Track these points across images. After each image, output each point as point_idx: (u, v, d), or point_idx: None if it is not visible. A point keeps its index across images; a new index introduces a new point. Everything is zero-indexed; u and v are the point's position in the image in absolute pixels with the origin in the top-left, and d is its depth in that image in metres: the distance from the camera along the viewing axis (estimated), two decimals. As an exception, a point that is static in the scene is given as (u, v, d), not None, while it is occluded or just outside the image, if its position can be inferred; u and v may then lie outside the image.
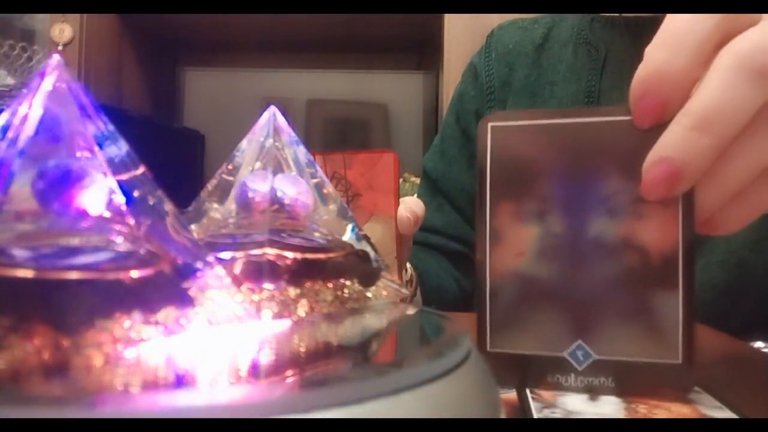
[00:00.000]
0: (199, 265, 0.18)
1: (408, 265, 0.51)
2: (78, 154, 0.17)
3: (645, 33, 0.53)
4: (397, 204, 0.40)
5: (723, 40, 0.23)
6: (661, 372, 0.24)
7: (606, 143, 0.24)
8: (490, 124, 0.26)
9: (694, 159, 0.22)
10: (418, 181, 0.77)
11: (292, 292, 0.22)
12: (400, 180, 0.70)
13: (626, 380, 0.24)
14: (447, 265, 0.63)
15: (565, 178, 0.25)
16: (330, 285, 0.23)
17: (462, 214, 0.65)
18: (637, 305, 0.24)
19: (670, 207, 0.24)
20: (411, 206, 0.40)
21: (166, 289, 0.17)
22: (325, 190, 0.27)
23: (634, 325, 0.24)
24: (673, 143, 0.22)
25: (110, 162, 0.17)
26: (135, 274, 0.16)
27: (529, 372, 0.25)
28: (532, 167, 0.26)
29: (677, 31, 0.23)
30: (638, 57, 0.24)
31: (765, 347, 0.37)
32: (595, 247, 0.24)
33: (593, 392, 0.25)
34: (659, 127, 0.23)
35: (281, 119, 0.26)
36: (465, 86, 0.68)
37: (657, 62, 0.23)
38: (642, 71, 0.23)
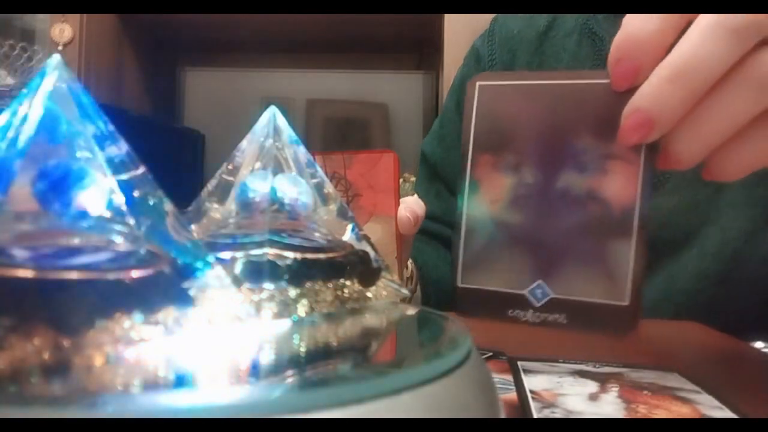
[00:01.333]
0: (199, 265, 0.18)
1: (408, 260, 0.51)
2: (78, 154, 0.17)
3: None
4: (398, 204, 0.40)
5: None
6: (609, 312, 0.26)
7: (583, 103, 0.26)
8: (478, 83, 0.29)
9: (666, 110, 0.23)
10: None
11: (292, 292, 0.22)
12: (400, 180, 0.70)
13: (577, 318, 0.27)
14: (445, 254, 0.63)
15: (541, 133, 0.27)
16: (330, 285, 0.23)
17: None
18: (594, 252, 0.26)
19: (633, 164, 0.26)
20: (411, 206, 0.40)
21: (166, 289, 0.17)
22: (325, 190, 0.27)
23: (589, 269, 0.26)
24: (648, 94, 0.24)
25: (110, 162, 0.17)
26: (135, 274, 0.16)
27: (492, 306, 0.28)
28: (512, 123, 0.28)
29: None
30: None
31: (765, 347, 0.37)
32: (561, 197, 0.27)
33: (546, 326, 0.27)
34: (635, 88, 0.25)
35: (281, 119, 0.26)
36: (467, 70, 0.68)
37: (631, 28, 0.24)
38: (618, 37, 0.25)
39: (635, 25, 0.24)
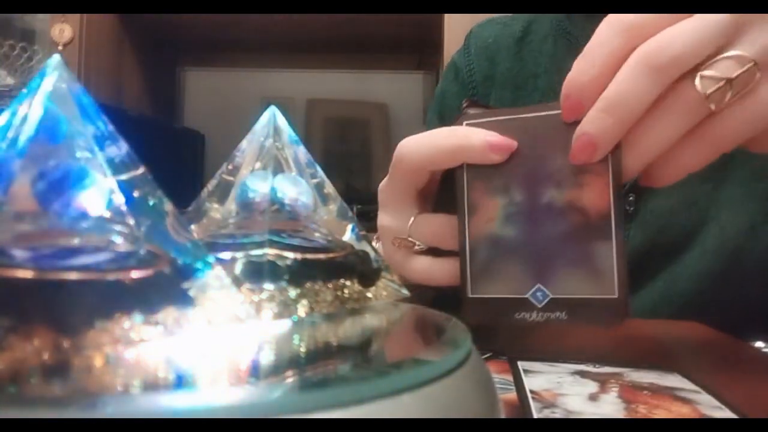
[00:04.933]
0: (199, 265, 0.18)
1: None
2: (78, 155, 0.17)
3: None
4: None
5: (635, 48, 0.28)
6: (602, 305, 0.29)
7: (551, 131, 0.31)
8: (465, 123, 0.33)
9: (603, 134, 0.28)
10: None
11: (293, 292, 0.22)
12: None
13: (576, 313, 0.30)
14: None
15: (522, 159, 0.31)
16: (330, 285, 0.23)
17: None
18: (581, 254, 0.30)
19: (602, 176, 0.30)
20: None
21: (166, 289, 0.17)
22: (325, 190, 0.27)
23: (580, 270, 0.30)
24: (589, 121, 0.29)
25: (110, 162, 0.17)
26: (135, 274, 0.16)
27: (501, 311, 0.31)
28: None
29: (592, 44, 0.29)
30: None
31: (765, 347, 0.37)
32: (547, 210, 0.31)
33: (550, 323, 0.30)
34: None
35: (281, 119, 0.26)
36: (446, 84, 0.69)
37: (575, 71, 0.29)
38: (567, 77, 0.30)
39: (577, 68, 0.29)
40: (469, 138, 0.32)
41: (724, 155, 0.29)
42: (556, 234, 0.30)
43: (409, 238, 0.35)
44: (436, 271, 0.34)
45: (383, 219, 0.37)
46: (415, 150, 0.34)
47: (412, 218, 0.35)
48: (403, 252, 0.36)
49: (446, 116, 0.67)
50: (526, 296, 0.31)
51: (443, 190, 0.37)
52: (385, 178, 0.38)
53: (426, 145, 0.34)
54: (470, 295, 0.32)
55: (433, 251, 0.35)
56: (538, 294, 0.30)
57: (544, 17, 0.63)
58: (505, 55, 0.63)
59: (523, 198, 0.31)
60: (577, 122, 0.29)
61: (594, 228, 0.30)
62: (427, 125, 0.70)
